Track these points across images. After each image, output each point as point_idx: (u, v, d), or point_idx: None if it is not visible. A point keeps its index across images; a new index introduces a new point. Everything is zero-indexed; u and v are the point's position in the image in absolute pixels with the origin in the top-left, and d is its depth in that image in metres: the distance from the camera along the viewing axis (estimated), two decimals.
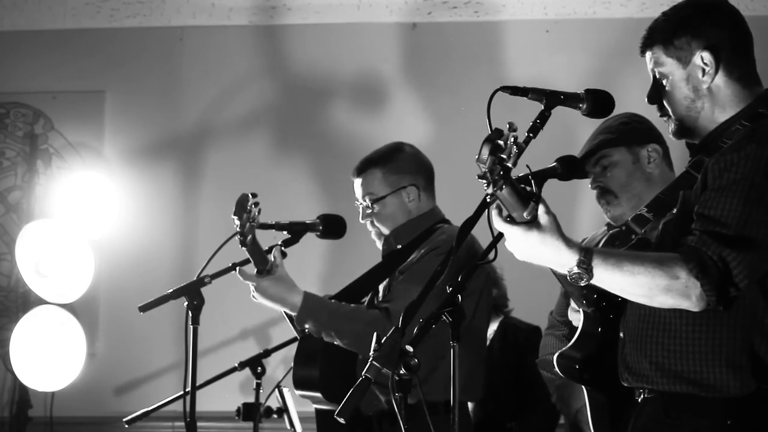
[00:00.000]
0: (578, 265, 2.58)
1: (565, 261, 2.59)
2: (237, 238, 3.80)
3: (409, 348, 2.68)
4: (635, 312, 2.80)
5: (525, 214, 2.55)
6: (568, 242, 2.59)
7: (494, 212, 2.59)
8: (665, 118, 2.87)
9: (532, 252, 2.59)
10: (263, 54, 5.87)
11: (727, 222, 2.59)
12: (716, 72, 2.79)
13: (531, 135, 2.77)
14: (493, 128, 2.48)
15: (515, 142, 2.45)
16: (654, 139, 3.62)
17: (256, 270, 3.83)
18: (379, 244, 4.13)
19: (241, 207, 3.78)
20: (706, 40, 2.79)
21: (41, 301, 5.48)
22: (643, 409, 2.81)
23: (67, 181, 5.68)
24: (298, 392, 4.01)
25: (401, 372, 2.66)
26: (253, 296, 3.86)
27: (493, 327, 4.71)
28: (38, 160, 5.86)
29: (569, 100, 2.87)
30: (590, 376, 3.16)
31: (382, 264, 4.08)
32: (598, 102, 2.89)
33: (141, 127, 5.87)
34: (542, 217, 2.56)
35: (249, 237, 3.77)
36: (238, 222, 3.78)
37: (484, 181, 2.47)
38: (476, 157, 2.45)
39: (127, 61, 5.91)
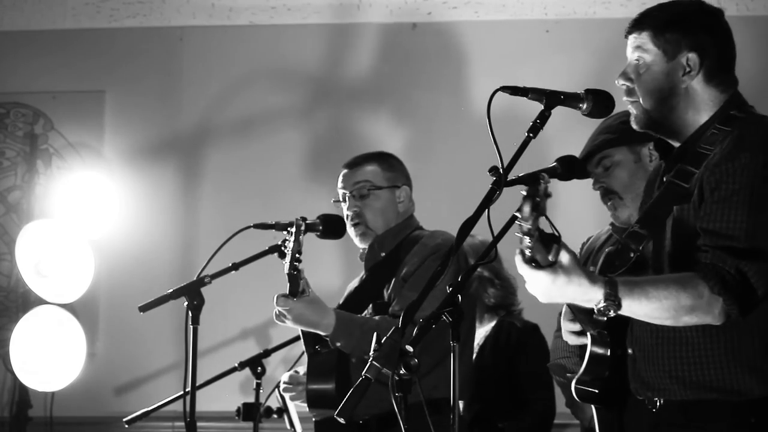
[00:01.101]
0: (606, 299, 2.61)
1: (592, 296, 2.61)
2: (287, 261, 3.77)
3: (409, 348, 2.68)
4: (645, 328, 2.80)
5: (550, 257, 2.57)
6: (592, 277, 2.61)
7: (517, 258, 2.58)
8: (630, 103, 2.88)
9: (559, 293, 2.61)
10: (263, 54, 5.87)
11: (736, 234, 2.62)
12: (697, 75, 2.81)
13: (531, 135, 2.78)
14: (528, 179, 2.52)
15: (545, 192, 2.47)
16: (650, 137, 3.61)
17: (288, 293, 3.80)
18: (357, 241, 4.12)
19: (298, 233, 3.77)
20: (697, 42, 2.81)
21: (41, 301, 5.47)
22: (660, 416, 2.81)
23: (67, 181, 5.68)
24: (312, 410, 3.97)
25: (401, 372, 2.66)
26: (280, 319, 3.82)
27: (488, 327, 4.71)
28: (38, 160, 5.86)
29: (569, 100, 2.88)
30: (606, 397, 3.14)
31: (371, 275, 4.09)
32: (598, 102, 2.90)
33: (141, 127, 5.87)
34: (563, 256, 2.58)
35: (300, 263, 3.77)
36: (292, 246, 3.77)
37: (527, 238, 2.49)
38: (517, 214, 2.47)
39: (127, 61, 5.91)
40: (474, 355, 4.59)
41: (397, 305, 3.89)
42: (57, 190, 5.67)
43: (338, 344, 3.81)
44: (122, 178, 5.75)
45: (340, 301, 4.12)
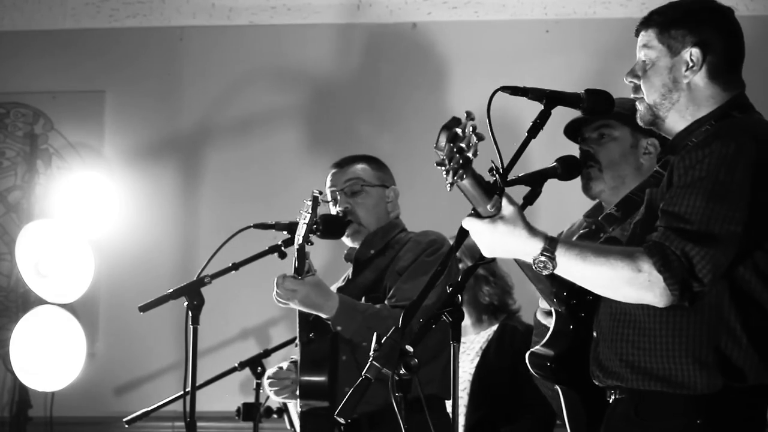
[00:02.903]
0: (542, 253, 2.61)
1: (530, 249, 2.62)
2: (300, 234, 3.76)
3: (409, 348, 2.68)
4: (607, 310, 2.82)
5: (489, 207, 2.58)
6: (533, 231, 2.62)
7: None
8: (637, 101, 2.89)
9: (500, 245, 2.63)
10: (263, 54, 5.87)
11: (691, 218, 2.61)
12: (699, 70, 2.81)
13: (531, 135, 2.79)
14: (452, 117, 2.52)
15: (474, 131, 2.47)
16: (658, 135, 3.60)
17: (294, 271, 3.80)
18: (348, 240, 4.13)
19: (315, 205, 3.75)
20: (701, 38, 2.81)
21: (41, 301, 5.48)
22: (615, 410, 2.82)
23: (67, 181, 5.68)
24: (302, 401, 3.95)
25: (401, 372, 2.67)
26: (281, 300, 3.81)
27: (490, 330, 4.70)
28: (38, 160, 5.86)
29: (569, 100, 2.89)
30: (563, 374, 3.14)
31: (361, 272, 4.10)
32: (598, 102, 2.91)
33: (141, 127, 5.87)
34: (506, 208, 2.60)
35: (310, 237, 3.76)
36: (309, 219, 3.75)
37: (443, 169, 2.50)
38: (434, 144, 2.48)
39: (127, 61, 5.91)
40: (478, 359, 4.59)
41: (393, 296, 3.91)
42: (57, 190, 5.67)
43: (339, 328, 3.82)
44: (122, 178, 5.75)
45: None
